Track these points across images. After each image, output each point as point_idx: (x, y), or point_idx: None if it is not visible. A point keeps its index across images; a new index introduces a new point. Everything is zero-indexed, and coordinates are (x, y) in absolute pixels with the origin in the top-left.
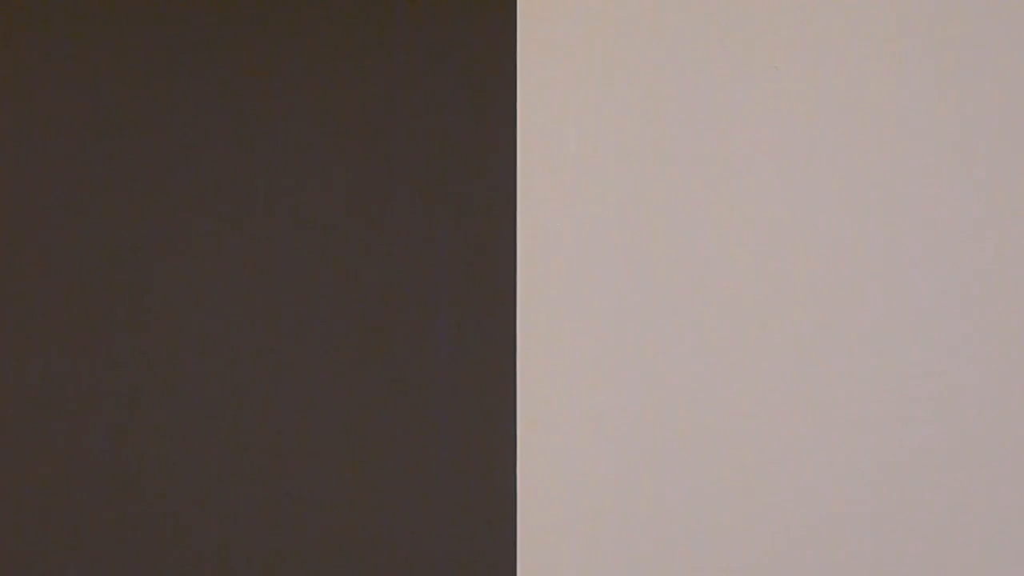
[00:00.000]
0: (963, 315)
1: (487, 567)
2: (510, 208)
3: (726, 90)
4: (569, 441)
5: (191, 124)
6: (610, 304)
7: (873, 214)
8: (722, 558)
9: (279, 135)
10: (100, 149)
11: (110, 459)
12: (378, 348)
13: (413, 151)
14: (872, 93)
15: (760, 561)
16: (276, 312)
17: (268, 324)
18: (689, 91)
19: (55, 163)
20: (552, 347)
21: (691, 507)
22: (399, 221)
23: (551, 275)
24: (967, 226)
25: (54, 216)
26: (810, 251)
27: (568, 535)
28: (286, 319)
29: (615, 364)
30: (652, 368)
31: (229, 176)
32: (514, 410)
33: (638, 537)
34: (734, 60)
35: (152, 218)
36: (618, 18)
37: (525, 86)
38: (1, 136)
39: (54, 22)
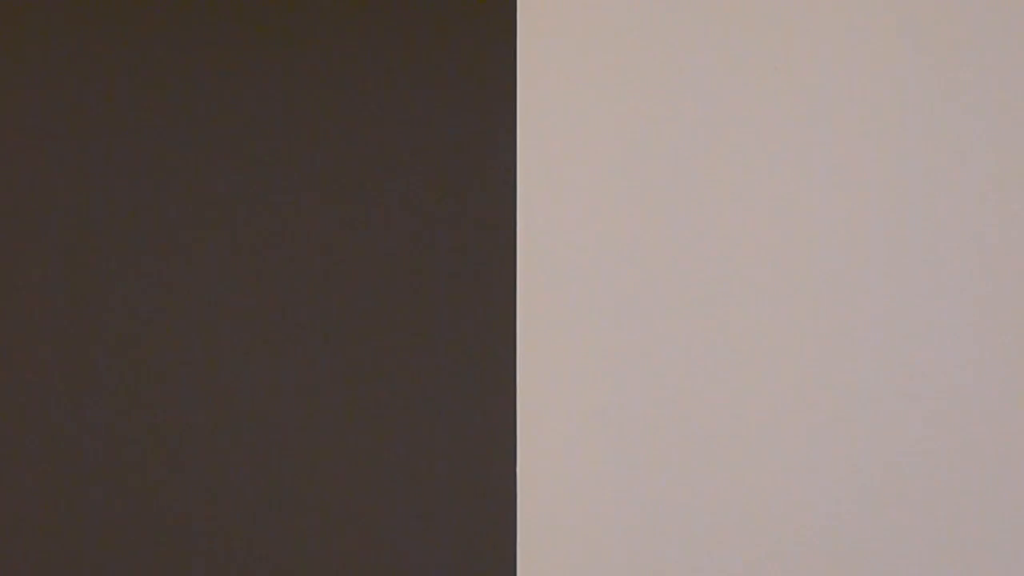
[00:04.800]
0: (964, 315)
1: (487, 567)
2: (510, 207)
3: (726, 90)
4: (569, 441)
5: (193, 126)
6: (611, 303)
7: (875, 214)
8: (723, 558)
9: (279, 135)
10: (101, 151)
11: (111, 459)
12: (378, 348)
13: (413, 151)
14: (873, 93)
15: (761, 561)
16: (276, 312)
17: (268, 323)
18: (689, 91)
19: (57, 165)
20: (552, 347)
21: (692, 507)
22: (399, 221)
23: (551, 274)
24: (968, 227)
25: (56, 218)
26: (812, 250)
27: (568, 535)
28: (286, 319)
29: (615, 363)
30: (653, 367)
31: (229, 176)
32: (514, 410)
33: (639, 537)
34: (734, 60)
35: (152, 215)
36: (618, 18)
37: (525, 86)
38: (1, 137)
39: (54, 22)
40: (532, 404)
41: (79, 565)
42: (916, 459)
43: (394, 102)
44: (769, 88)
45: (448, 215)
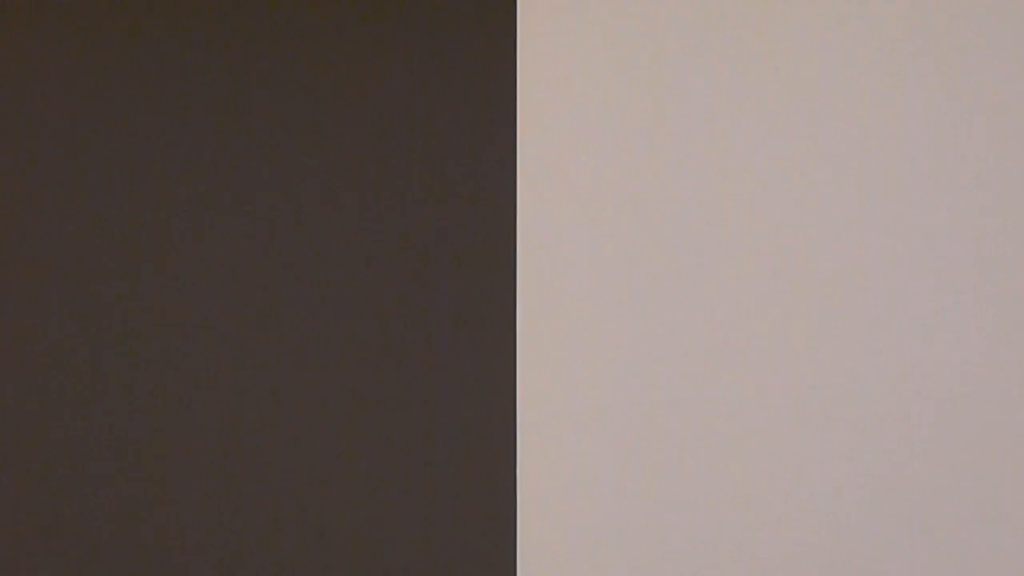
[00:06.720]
0: (963, 316)
1: (487, 567)
2: (510, 208)
3: (725, 90)
4: (569, 441)
5: (194, 126)
6: (610, 304)
7: (874, 214)
8: (722, 558)
9: (279, 135)
10: (103, 151)
11: (112, 461)
12: (378, 348)
13: (413, 151)
14: (872, 93)
15: (760, 561)
16: (276, 312)
17: (268, 324)
18: (689, 91)
19: (60, 167)
20: (552, 347)
21: (691, 507)
22: (399, 221)
23: (551, 274)
24: (967, 227)
25: (57, 219)
26: (811, 251)
27: (568, 535)
28: (286, 319)
29: (615, 364)
30: (652, 368)
31: (230, 176)
32: (514, 410)
33: (638, 537)
34: (733, 60)
35: (152, 215)
36: (618, 19)
37: (525, 86)
38: (2, 138)
39: (55, 23)
40: (532, 404)
41: (80, 565)
42: (916, 458)
43: (394, 102)
44: (768, 89)
45: (448, 215)
